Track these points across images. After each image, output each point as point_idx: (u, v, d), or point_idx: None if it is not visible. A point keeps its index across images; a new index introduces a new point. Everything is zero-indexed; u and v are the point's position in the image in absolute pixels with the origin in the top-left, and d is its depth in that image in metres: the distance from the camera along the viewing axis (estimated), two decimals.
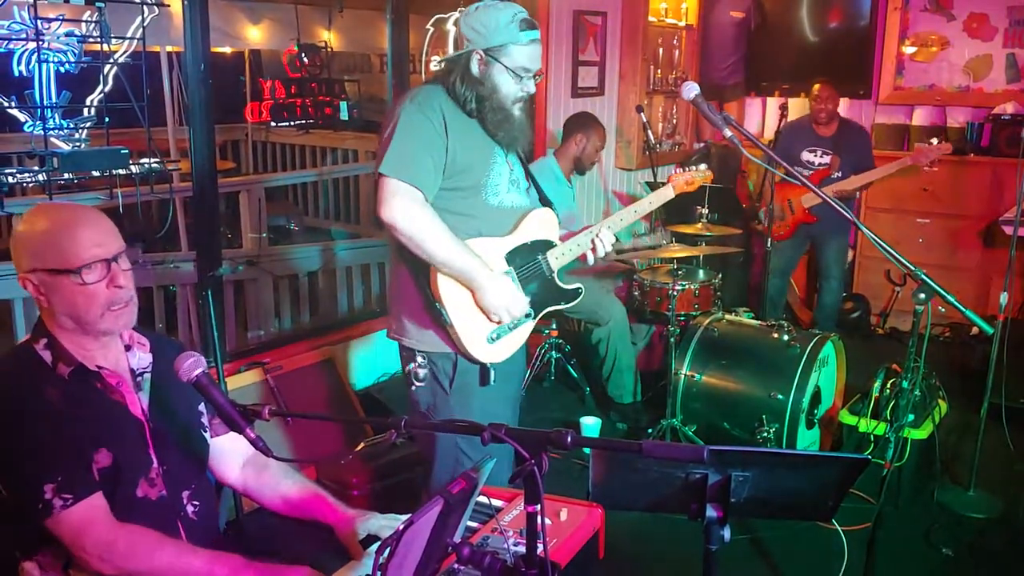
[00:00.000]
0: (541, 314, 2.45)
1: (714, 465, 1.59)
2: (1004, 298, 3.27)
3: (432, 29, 4.56)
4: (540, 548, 1.38)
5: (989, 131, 5.50)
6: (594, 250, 2.49)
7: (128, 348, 1.75)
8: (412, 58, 4.60)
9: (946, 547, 3.10)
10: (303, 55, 5.24)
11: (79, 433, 1.60)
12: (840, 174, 4.75)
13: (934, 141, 4.67)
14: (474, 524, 1.82)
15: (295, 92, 5.05)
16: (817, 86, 4.86)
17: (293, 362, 3.45)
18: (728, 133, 2.37)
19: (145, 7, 3.09)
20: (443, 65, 2.33)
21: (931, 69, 5.86)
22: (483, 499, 1.89)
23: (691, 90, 2.37)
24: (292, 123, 5.11)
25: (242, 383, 3.20)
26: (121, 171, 3.14)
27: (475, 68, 2.25)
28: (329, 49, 6.16)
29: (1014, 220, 3.47)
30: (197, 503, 1.79)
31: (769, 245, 4.61)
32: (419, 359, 2.35)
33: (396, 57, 4.03)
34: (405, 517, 1.66)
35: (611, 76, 5.37)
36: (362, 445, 3.20)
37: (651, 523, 3.08)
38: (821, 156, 4.84)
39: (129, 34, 3.13)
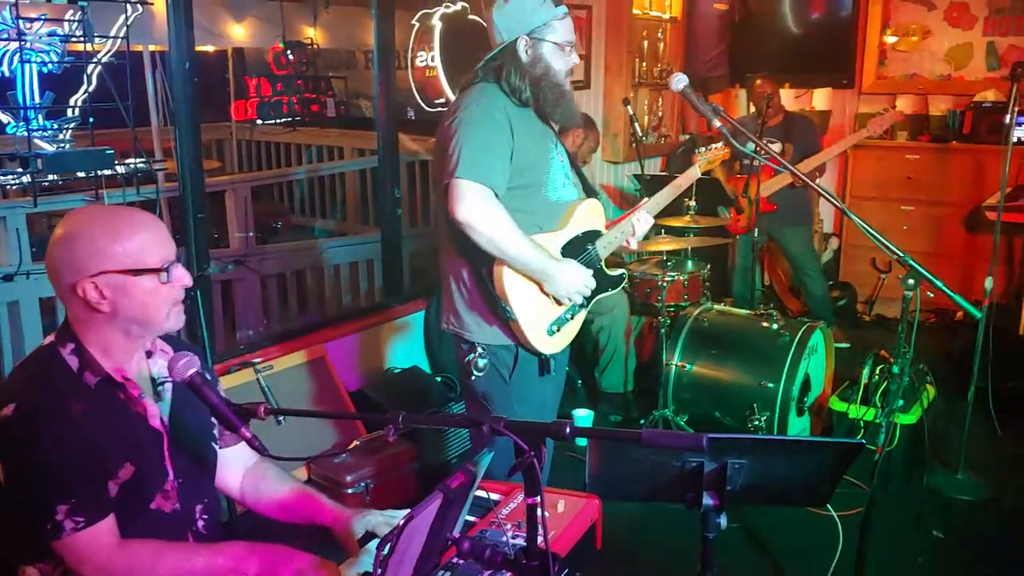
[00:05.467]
0: (593, 302, 2.51)
1: (710, 453, 1.60)
2: (989, 283, 3.30)
3: (418, 24, 4.55)
4: (540, 540, 1.39)
5: (971, 119, 5.55)
6: (634, 233, 2.57)
7: (150, 355, 1.72)
8: (398, 54, 4.59)
9: (936, 530, 3.14)
10: (289, 52, 5.21)
11: (100, 450, 1.56)
12: (790, 162, 4.76)
13: (885, 110, 4.68)
14: (472, 518, 1.83)
15: (281, 89, 5.04)
16: (759, 80, 4.89)
17: (284, 361, 3.44)
18: (717, 123, 2.39)
19: (128, 6, 3.06)
20: (489, 63, 2.36)
21: (913, 58, 5.91)
22: (481, 493, 1.90)
23: (680, 81, 2.39)
24: (278, 121, 5.09)
25: (233, 383, 3.19)
26: (106, 172, 3.11)
27: (524, 54, 2.32)
28: (315, 46, 6.14)
29: (997, 206, 3.51)
30: (207, 516, 1.78)
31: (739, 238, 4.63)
32: (479, 350, 2.41)
33: (382, 53, 4.02)
34: (402, 513, 1.66)
35: (597, 69, 5.38)
36: (356, 443, 3.20)
37: (648, 513, 3.11)
38: (768, 145, 4.85)
39: (112, 33, 3.10)
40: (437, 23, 4.45)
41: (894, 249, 2.11)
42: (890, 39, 5.96)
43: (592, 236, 2.50)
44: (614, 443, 1.65)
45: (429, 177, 5.39)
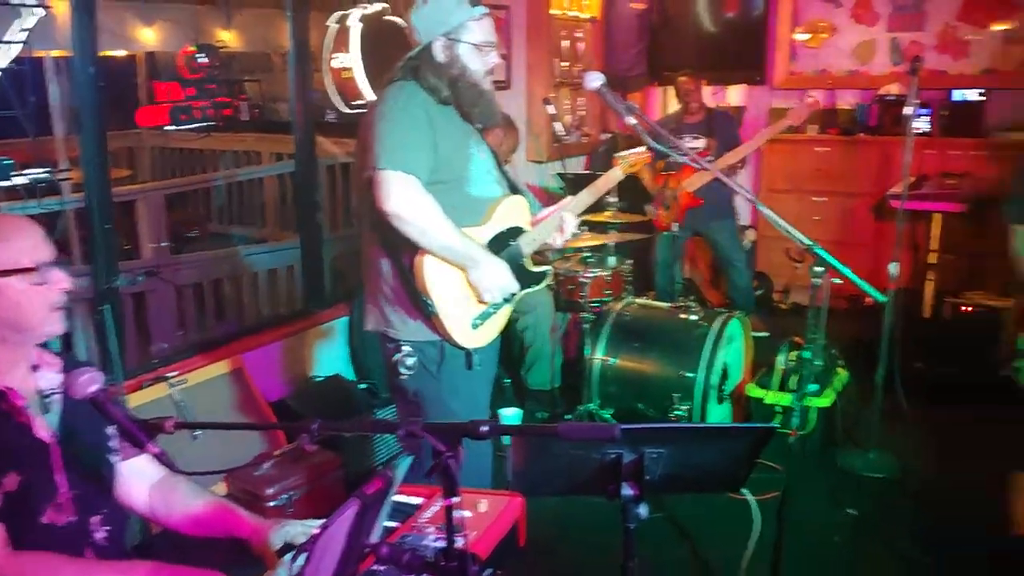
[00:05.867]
0: (516, 298, 2.51)
1: (628, 444, 1.62)
2: (895, 268, 3.43)
3: (335, 25, 4.48)
4: (459, 541, 1.39)
5: (877, 112, 5.77)
6: (561, 232, 2.58)
7: (36, 368, 1.68)
8: (315, 56, 4.52)
9: (851, 508, 3.26)
10: (200, 56, 5.06)
11: None
12: (713, 157, 4.88)
13: (811, 96, 4.82)
14: (393, 524, 1.81)
15: (193, 94, 4.88)
16: (682, 77, 5.00)
17: (200, 374, 3.35)
18: (632, 121, 2.43)
19: (23, 8, 2.93)
20: (408, 63, 2.37)
21: (821, 54, 6.11)
22: (401, 498, 1.88)
23: (595, 80, 2.43)
24: (191, 126, 4.93)
25: (145, 399, 3.09)
26: (4, 183, 2.98)
27: (441, 55, 2.33)
28: (228, 49, 5.99)
29: (901, 195, 3.66)
30: (108, 528, 1.73)
31: (663, 234, 4.71)
32: (405, 348, 2.40)
33: (297, 55, 3.96)
34: (321, 522, 1.64)
35: (517, 69, 5.40)
36: (277, 454, 3.14)
37: (571, 507, 3.13)
38: (692, 141, 4.97)
39: (7, 37, 2.97)
40: (355, 24, 4.40)
41: (801, 238, 2.18)
42: (800, 36, 6.15)
43: (516, 232, 2.51)
44: (534, 440, 1.66)
45: (350, 180, 5.33)
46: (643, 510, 1.64)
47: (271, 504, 2.96)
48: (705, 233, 5.19)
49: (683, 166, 4.86)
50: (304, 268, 4.16)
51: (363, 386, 3.88)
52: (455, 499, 1.35)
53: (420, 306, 2.33)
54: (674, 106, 6.30)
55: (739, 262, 5.15)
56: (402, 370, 2.41)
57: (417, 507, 1.89)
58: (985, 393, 3.77)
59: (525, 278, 2.52)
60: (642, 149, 2.82)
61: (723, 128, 4.99)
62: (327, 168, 5.30)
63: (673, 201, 4.86)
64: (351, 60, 4.24)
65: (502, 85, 5.25)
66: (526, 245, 2.53)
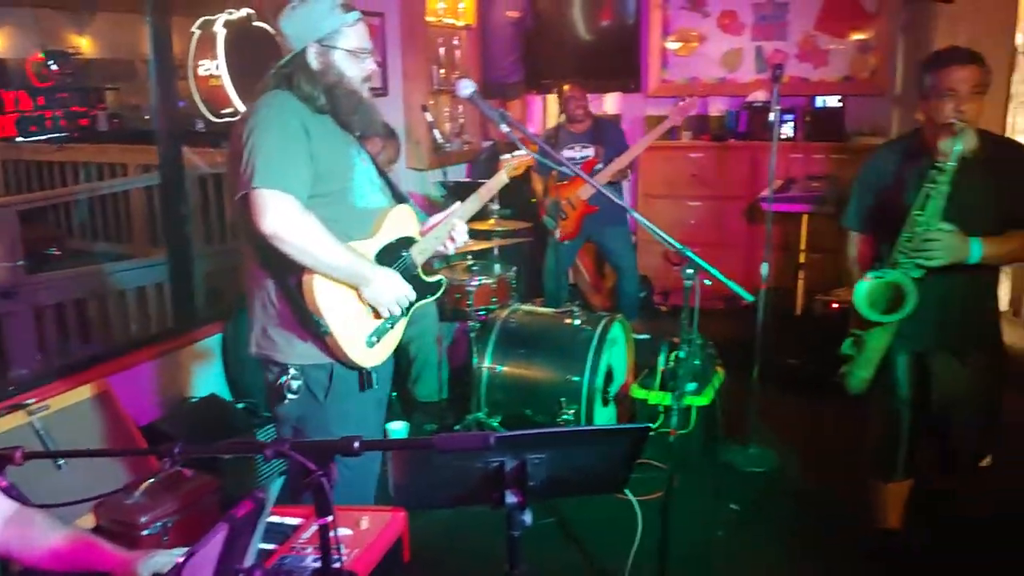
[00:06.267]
0: (411, 311, 2.42)
1: (510, 452, 1.61)
2: (765, 268, 3.57)
3: (199, 31, 4.32)
4: (338, 560, 1.33)
5: (746, 118, 6.01)
6: (453, 240, 2.52)
7: None
8: (181, 64, 4.33)
9: (734, 503, 3.35)
10: (51, 63, 4.76)
11: None
12: (602, 164, 4.99)
13: (686, 99, 4.98)
14: (271, 546, 1.74)
15: (43, 103, 4.58)
16: (567, 87, 5.07)
17: (62, 400, 3.13)
18: (505, 128, 2.42)
19: None
20: (280, 71, 2.25)
21: (692, 63, 6.32)
22: (278, 519, 1.81)
23: (466, 87, 2.41)
24: (42, 137, 4.62)
25: (1, 429, 2.86)
26: None
27: (315, 62, 2.23)
28: (82, 55, 5.66)
29: (769, 198, 3.82)
30: None
31: (554, 242, 4.76)
32: (292, 371, 2.27)
33: (159, 62, 3.76)
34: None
35: (394, 77, 5.34)
36: (149, 480, 2.96)
37: (458, 518, 3.10)
38: (581, 150, 5.06)
39: None
40: (220, 30, 4.24)
41: (671, 242, 2.22)
42: (672, 45, 6.35)
43: (407, 242, 2.43)
44: (413, 453, 1.62)
45: (224, 192, 5.13)
46: (527, 517, 1.63)
47: (144, 533, 2.79)
48: (599, 240, 5.27)
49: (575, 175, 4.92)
50: (173, 285, 3.96)
51: (241, 405, 3.72)
52: (328, 518, 1.30)
53: (311, 327, 2.20)
54: (554, 113, 6.42)
55: (630, 268, 5.26)
56: (288, 395, 2.28)
57: (296, 528, 1.82)
58: None
59: (421, 288, 2.44)
60: (524, 152, 2.82)
61: (610, 136, 5.08)
62: (198, 179, 5.07)
63: (570, 210, 4.93)
64: (218, 68, 4.10)
65: (379, 93, 5.18)
66: (418, 255, 2.45)
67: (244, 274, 2.35)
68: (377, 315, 2.31)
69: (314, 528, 1.80)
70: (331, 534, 1.31)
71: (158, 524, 2.84)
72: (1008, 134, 6.13)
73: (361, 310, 2.29)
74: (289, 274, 2.20)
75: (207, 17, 4.27)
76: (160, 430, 3.44)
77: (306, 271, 2.16)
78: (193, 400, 3.72)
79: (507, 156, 2.83)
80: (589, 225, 5.02)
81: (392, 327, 2.37)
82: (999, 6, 5.71)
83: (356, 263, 2.21)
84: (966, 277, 2.47)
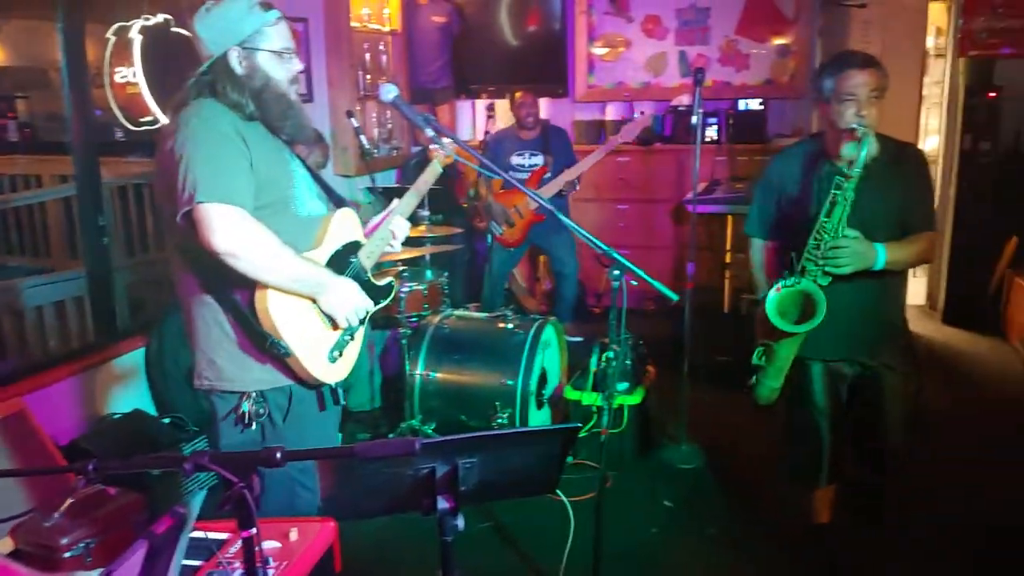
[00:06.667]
0: (367, 316, 2.33)
1: (439, 457, 1.60)
2: (690, 268, 3.64)
3: (114, 38, 4.20)
4: (264, 573, 1.31)
5: (671, 122, 6.12)
6: (396, 238, 2.45)
7: None
8: (98, 71, 4.20)
9: (667, 500, 3.41)
10: None
11: None
12: (551, 173, 5.03)
13: (640, 114, 5.07)
14: (196, 562, 1.69)
15: None
16: (519, 93, 5.10)
17: None
18: (430, 132, 2.41)
19: None
20: (201, 78, 2.11)
21: (617, 68, 6.41)
22: (204, 534, 1.76)
23: (388, 92, 2.36)
24: None
25: None
26: None
27: (238, 66, 2.10)
28: None
29: (693, 200, 3.89)
30: None
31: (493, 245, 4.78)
32: (253, 395, 2.14)
33: (72, 69, 3.63)
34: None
35: (319, 82, 5.28)
36: (70, 501, 2.85)
37: (392, 526, 3.07)
38: (530, 157, 5.09)
39: None
40: (136, 36, 4.13)
41: (598, 243, 2.25)
42: (599, 50, 6.42)
43: (353, 248, 2.33)
44: (341, 462, 1.60)
45: (145, 201, 4.99)
46: (459, 522, 1.63)
47: (67, 555, 2.67)
48: (545, 247, 5.32)
49: (524, 182, 4.97)
50: (93, 298, 3.83)
51: (167, 420, 3.62)
52: (252, 530, 1.28)
53: (269, 349, 2.07)
54: (480, 119, 6.44)
55: (571, 276, 5.30)
56: (246, 424, 2.14)
57: (223, 542, 1.78)
58: None
59: (373, 293, 2.36)
60: (447, 141, 2.77)
61: (559, 146, 5.12)
62: (117, 189, 4.92)
63: (518, 218, 4.94)
64: (135, 75, 3.99)
65: (305, 99, 5.11)
66: (366, 259, 2.36)
67: (181, 297, 2.20)
68: (335, 327, 2.22)
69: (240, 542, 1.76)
70: (257, 548, 1.28)
71: (80, 545, 2.73)
72: (920, 134, 6.42)
73: (319, 324, 2.18)
74: (236, 292, 2.08)
75: (122, 23, 4.15)
76: (81, 448, 3.32)
77: (257, 287, 2.05)
78: (116, 416, 3.60)
79: (435, 146, 2.78)
80: (536, 233, 5.05)
81: (352, 338, 2.28)
82: (910, 11, 5.96)
83: (315, 272, 2.11)
84: (873, 282, 2.47)
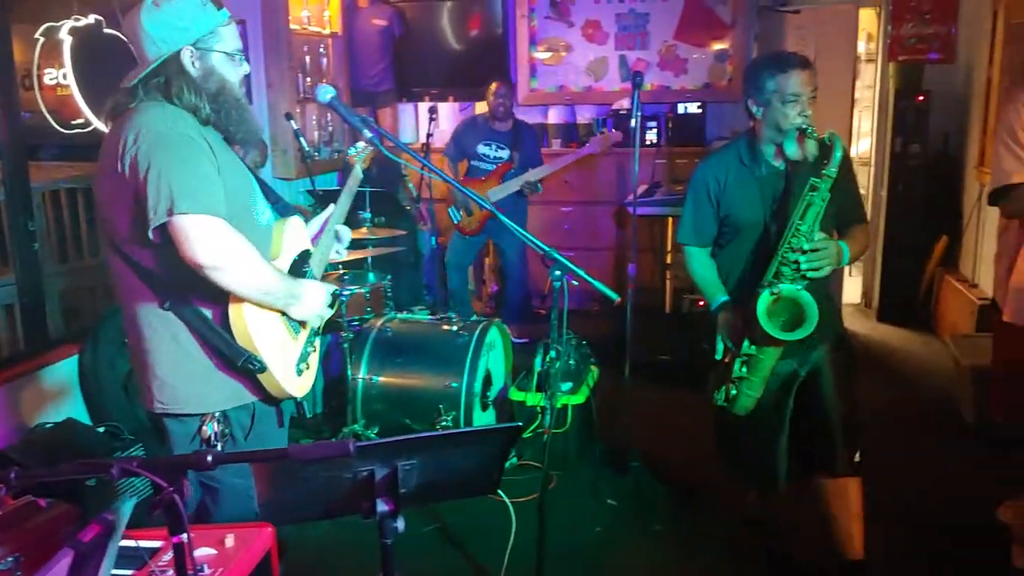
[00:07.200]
0: (322, 323, 2.29)
1: (378, 459, 1.59)
2: (632, 269, 3.68)
3: (43, 39, 4.09)
4: None
5: (612, 125, 6.17)
6: (339, 241, 2.43)
7: None
8: (27, 73, 4.09)
9: (611, 498, 3.43)
10: None
11: None
12: (516, 170, 5.05)
13: (604, 131, 5.17)
14: (127, 572, 1.65)
15: None
16: (495, 84, 5.14)
17: None
18: (368, 134, 2.39)
19: None
20: (150, 80, 1.98)
21: (559, 72, 6.46)
22: (135, 543, 1.72)
23: (325, 93, 2.33)
24: None
25: None
26: None
27: (191, 68, 1.99)
28: None
29: (633, 202, 3.93)
30: None
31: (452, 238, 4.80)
32: (216, 416, 2.05)
33: None
34: None
35: (257, 85, 5.22)
36: None
37: (332, 530, 3.04)
38: (497, 150, 5.12)
39: None
40: (66, 37, 4.03)
41: (537, 243, 2.27)
42: (541, 55, 6.46)
43: (306, 256, 2.28)
44: (277, 466, 1.58)
45: (79, 206, 4.85)
46: (400, 524, 1.62)
47: None
48: (499, 243, 5.38)
49: (488, 174, 5.03)
50: (22, 306, 3.72)
51: (101, 429, 3.53)
52: (183, 536, 1.25)
53: (243, 366, 1.99)
54: (424, 123, 6.42)
55: (518, 278, 5.32)
56: (219, 446, 2.05)
57: (156, 550, 1.74)
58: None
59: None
60: (362, 144, 2.74)
61: (527, 143, 5.17)
62: (50, 194, 4.78)
63: (477, 209, 4.96)
64: (65, 77, 3.89)
65: None
66: (317, 267, 2.31)
67: (127, 315, 2.07)
68: (295, 337, 2.15)
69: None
70: (188, 554, 1.26)
71: (9, 560, 2.64)
72: (853, 136, 6.60)
73: (287, 336, 2.12)
74: (205, 307, 1.99)
75: (51, 24, 4.05)
76: (10, 459, 3.21)
77: (231, 301, 1.96)
78: (48, 426, 3.50)
79: (352, 150, 2.76)
80: (492, 227, 5.07)
81: (314, 349, 2.24)
82: (841, 17, 6.13)
83: (290, 283, 2.05)
84: (820, 280, 2.45)
